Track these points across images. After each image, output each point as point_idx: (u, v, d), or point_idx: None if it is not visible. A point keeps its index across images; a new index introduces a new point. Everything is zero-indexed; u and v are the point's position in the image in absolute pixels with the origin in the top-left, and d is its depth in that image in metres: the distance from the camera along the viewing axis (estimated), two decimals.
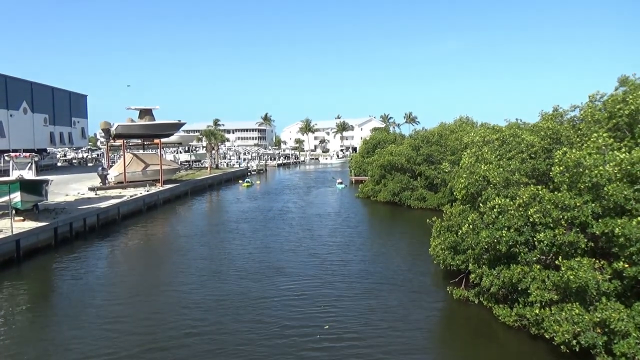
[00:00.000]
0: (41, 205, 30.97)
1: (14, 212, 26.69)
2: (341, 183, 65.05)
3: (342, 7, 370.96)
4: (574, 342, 12.91)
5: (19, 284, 21.56)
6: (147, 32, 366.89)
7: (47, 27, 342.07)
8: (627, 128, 17.09)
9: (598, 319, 12.59)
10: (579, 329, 12.89)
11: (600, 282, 12.96)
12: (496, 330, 15.93)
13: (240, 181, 70.43)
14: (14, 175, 28.66)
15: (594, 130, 16.78)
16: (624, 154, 13.83)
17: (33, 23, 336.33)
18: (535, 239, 14.87)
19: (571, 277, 13.16)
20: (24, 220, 27.41)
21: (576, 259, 13.63)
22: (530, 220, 15.01)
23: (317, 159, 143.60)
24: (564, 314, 13.43)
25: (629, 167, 13.44)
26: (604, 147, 15.06)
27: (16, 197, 26.15)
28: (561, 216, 14.36)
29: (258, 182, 72.57)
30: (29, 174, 29.96)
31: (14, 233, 24.38)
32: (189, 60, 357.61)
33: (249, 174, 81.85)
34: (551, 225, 14.55)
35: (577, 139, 18.30)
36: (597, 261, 13.63)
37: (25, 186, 26.84)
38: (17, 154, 32.95)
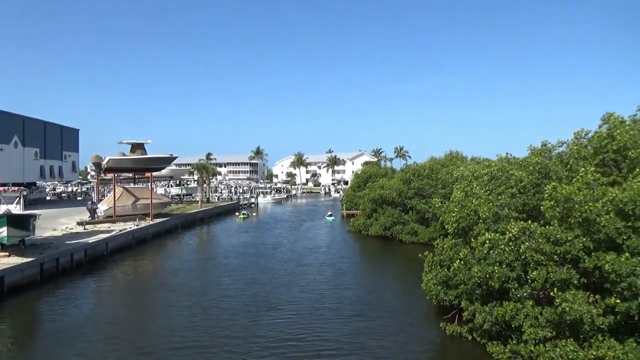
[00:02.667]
0: (28, 240, 30.45)
1: None
2: (331, 215, 66.43)
3: (334, 43, 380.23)
4: None
5: (2, 322, 20.91)
6: (140, 66, 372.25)
7: (41, 62, 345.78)
8: (613, 164, 17.40)
9: (593, 357, 12.45)
10: None
11: (595, 316, 12.91)
12: None
13: (237, 213, 72.19)
14: (1, 209, 28.27)
15: (581, 166, 17.05)
16: (618, 191, 13.97)
17: (26, 59, 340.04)
18: (529, 277, 14.83)
19: (566, 309, 13.10)
20: (9, 255, 26.85)
21: (571, 292, 13.61)
22: (522, 257, 15.02)
23: (324, 193, 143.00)
24: (558, 350, 13.29)
25: (621, 206, 13.57)
26: (592, 182, 15.28)
27: (2, 232, 25.75)
28: (553, 250, 14.41)
29: (254, 214, 74.90)
30: (17, 209, 29.57)
31: None
32: (182, 94, 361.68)
33: (240, 207, 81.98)
34: (544, 262, 14.56)
35: (566, 174, 18.56)
36: (591, 295, 13.62)
37: (12, 221, 26.46)
38: (6, 188, 32.62)
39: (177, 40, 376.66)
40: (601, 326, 12.90)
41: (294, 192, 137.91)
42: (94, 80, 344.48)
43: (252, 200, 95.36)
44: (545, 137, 26.26)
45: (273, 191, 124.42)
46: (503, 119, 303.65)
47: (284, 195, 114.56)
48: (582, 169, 16.24)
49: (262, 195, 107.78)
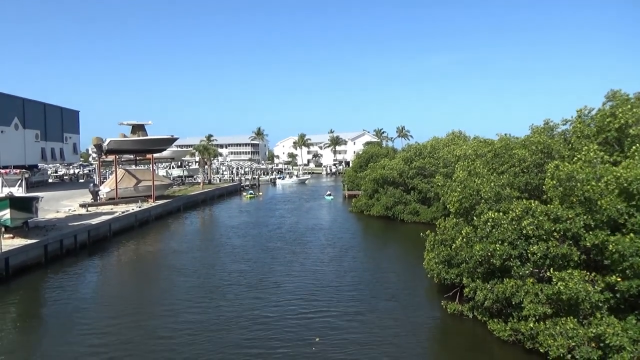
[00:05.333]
0: (31, 222, 30.62)
1: (3, 229, 26.32)
2: (330, 195, 67.04)
3: (335, 24, 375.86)
4: (569, 356, 12.87)
5: (7, 303, 21.19)
6: (141, 48, 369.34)
7: (40, 44, 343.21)
8: (616, 142, 17.28)
9: (593, 334, 12.58)
10: (573, 344, 12.87)
11: (592, 293, 12.98)
12: (491, 345, 15.83)
13: (244, 193, 74.44)
14: (4, 192, 28.32)
15: (584, 144, 16.93)
16: (622, 170, 13.87)
17: (27, 41, 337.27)
18: (528, 251, 14.89)
19: (562, 287, 13.18)
20: (13, 237, 27.05)
21: (567, 271, 13.68)
22: (524, 232, 15.05)
23: (325, 173, 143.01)
24: (558, 328, 13.43)
25: (625, 185, 13.49)
26: (595, 161, 15.20)
27: (5, 214, 25.85)
28: (554, 228, 14.42)
29: (260, 193, 76.52)
30: (19, 191, 29.62)
31: (2, 251, 24.02)
32: (183, 75, 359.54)
33: (246, 187, 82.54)
34: (544, 237, 14.60)
35: (568, 153, 18.45)
36: (589, 274, 13.67)
37: (15, 203, 26.53)
38: (7, 170, 32.64)
39: (176, 24, 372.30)
40: (598, 303, 12.99)
41: (295, 172, 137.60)
42: (94, 62, 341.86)
43: (269, 178, 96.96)
44: (548, 116, 25.92)
45: (303, 172, 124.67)
46: (505, 96, 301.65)
47: (308, 176, 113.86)
48: (585, 147, 16.14)
49: (287, 176, 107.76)
